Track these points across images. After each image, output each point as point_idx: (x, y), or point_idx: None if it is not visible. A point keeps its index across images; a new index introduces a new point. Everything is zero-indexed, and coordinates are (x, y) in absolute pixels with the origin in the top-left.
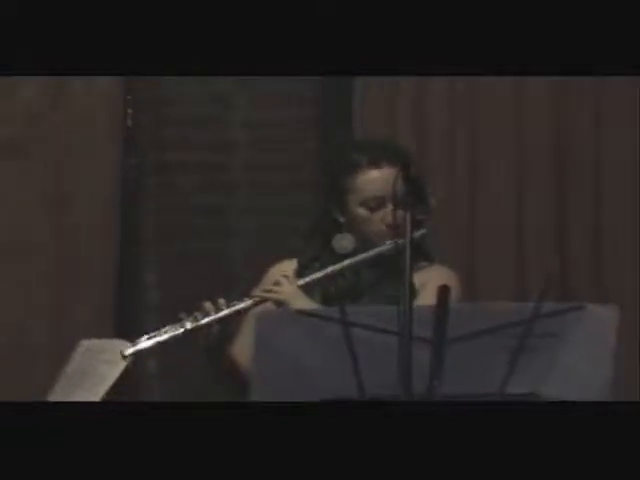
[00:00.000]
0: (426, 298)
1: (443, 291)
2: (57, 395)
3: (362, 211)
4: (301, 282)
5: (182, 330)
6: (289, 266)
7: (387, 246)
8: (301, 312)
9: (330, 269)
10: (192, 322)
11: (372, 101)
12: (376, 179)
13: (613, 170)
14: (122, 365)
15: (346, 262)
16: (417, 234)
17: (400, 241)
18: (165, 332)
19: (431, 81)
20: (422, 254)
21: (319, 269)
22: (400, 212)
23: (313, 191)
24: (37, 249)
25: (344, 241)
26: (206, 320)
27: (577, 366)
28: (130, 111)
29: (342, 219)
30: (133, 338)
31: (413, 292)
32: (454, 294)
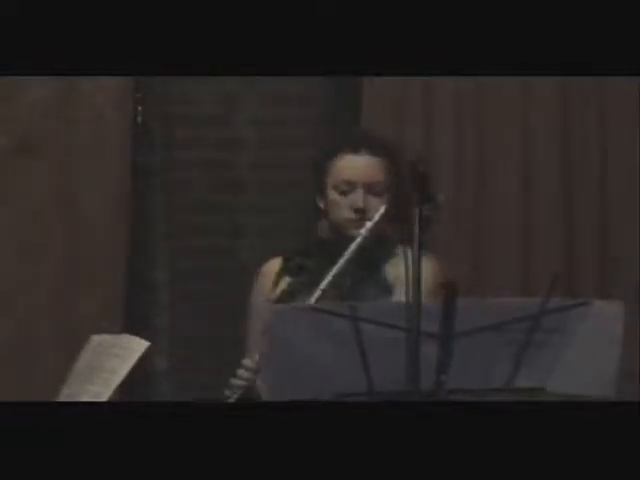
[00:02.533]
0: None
1: (449, 287)
2: (68, 391)
3: (334, 195)
4: (312, 302)
5: None
6: (275, 264)
7: (362, 235)
8: (312, 308)
9: (331, 275)
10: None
11: (380, 101)
12: (350, 163)
13: (619, 170)
14: (133, 360)
15: (340, 262)
16: (377, 215)
17: (363, 230)
18: None
19: (438, 81)
20: (391, 242)
21: (302, 260)
22: (370, 198)
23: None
24: (47, 247)
25: (325, 226)
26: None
27: (582, 361)
28: (140, 109)
29: (321, 205)
30: (142, 336)
31: (387, 286)
32: (432, 280)
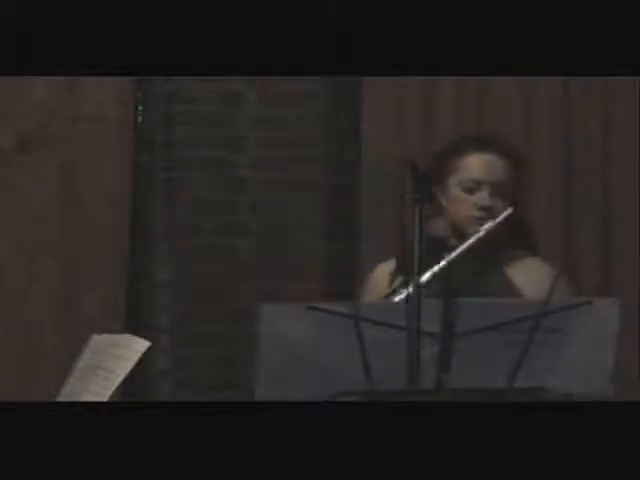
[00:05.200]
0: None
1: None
2: (68, 390)
3: (459, 192)
4: (424, 279)
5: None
6: (387, 268)
7: (483, 232)
8: (310, 307)
9: (447, 260)
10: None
11: (381, 100)
12: (479, 162)
13: (620, 170)
14: (133, 360)
15: (458, 251)
16: (503, 216)
17: (489, 225)
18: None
19: (438, 81)
20: (513, 240)
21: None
22: (495, 198)
23: (322, 188)
24: (48, 246)
25: (440, 225)
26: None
27: (581, 360)
28: (140, 108)
29: (443, 202)
30: (143, 335)
31: (511, 286)
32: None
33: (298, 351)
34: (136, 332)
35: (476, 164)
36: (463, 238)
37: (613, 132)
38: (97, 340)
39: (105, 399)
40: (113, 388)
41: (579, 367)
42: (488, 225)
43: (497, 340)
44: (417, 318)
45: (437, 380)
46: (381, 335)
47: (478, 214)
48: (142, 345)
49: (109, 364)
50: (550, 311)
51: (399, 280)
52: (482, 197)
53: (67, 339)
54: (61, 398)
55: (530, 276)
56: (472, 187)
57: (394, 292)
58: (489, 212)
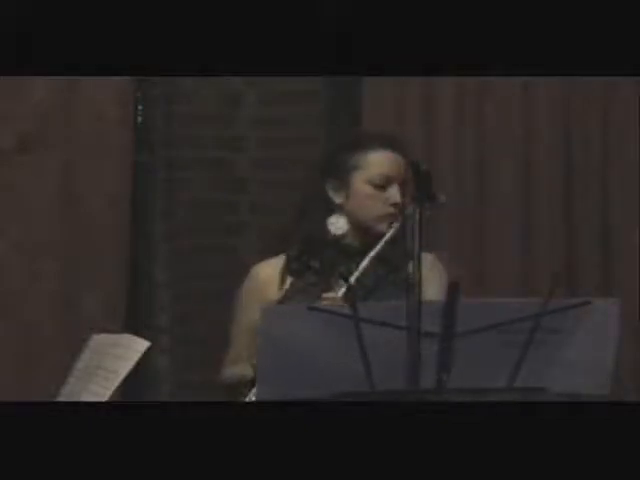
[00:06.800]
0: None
1: (452, 287)
2: (68, 390)
3: (368, 188)
4: (353, 278)
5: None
6: (275, 265)
7: (394, 229)
8: (311, 308)
9: (373, 254)
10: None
11: (381, 100)
12: (387, 158)
13: (620, 170)
14: (133, 360)
15: (370, 256)
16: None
17: (395, 224)
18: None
19: (438, 81)
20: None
21: (309, 260)
22: (403, 197)
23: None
24: (48, 246)
25: (339, 222)
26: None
27: (580, 360)
28: (140, 108)
29: (338, 200)
30: (143, 335)
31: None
32: (443, 280)
33: (298, 351)
34: (136, 332)
35: (386, 160)
36: (366, 235)
37: (613, 132)
38: (97, 340)
39: (105, 399)
40: (113, 388)
41: (579, 367)
42: (398, 222)
43: (497, 340)
44: (417, 318)
45: (437, 380)
46: (381, 335)
47: (390, 210)
48: (142, 345)
49: (109, 364)
50: (550, 311)
51: (289, 282)
52: (394, 193)
53: (67, 339)
54: (61, 398)
55: (430, 272)
56: (382, 184)
57: (287, 297)
58: (399, 209)
